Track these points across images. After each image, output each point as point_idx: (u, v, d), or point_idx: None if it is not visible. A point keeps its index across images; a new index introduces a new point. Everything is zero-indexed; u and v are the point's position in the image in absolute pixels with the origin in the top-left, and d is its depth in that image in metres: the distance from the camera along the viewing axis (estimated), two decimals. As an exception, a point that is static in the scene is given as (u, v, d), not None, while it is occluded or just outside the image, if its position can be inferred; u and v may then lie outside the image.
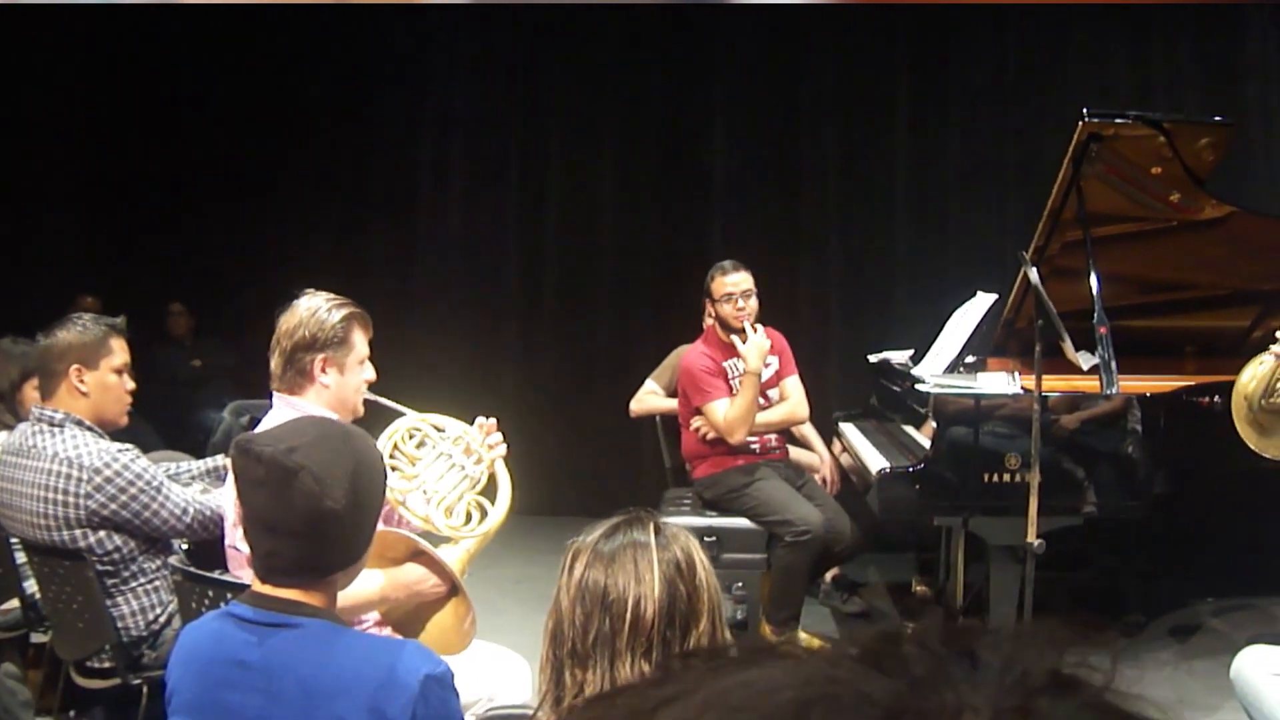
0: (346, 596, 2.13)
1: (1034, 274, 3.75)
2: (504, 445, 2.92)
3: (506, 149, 7.36)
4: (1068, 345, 3.83)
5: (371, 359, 2.95)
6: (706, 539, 4.40)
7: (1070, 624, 0.48)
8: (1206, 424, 4.07)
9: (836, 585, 5.34)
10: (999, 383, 4.25)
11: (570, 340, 7.24)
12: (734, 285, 4.62)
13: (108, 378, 3.26)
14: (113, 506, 3.09)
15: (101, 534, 3.11)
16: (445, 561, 2.50)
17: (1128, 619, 4.88)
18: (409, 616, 2.54)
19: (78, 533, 3.10)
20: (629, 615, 1.60)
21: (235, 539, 2.70)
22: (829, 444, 5.26)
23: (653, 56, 7.10)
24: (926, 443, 4.18)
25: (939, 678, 0.45)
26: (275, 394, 2.88)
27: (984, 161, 6.75)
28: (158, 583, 3.21)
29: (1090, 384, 4.17)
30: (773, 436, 4.85)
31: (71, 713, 3.53)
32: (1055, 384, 4.26)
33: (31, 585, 3.43)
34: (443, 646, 2.47)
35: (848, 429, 5.13)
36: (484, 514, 2.77)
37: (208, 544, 3.21)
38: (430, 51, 7.38)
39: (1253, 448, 3.66)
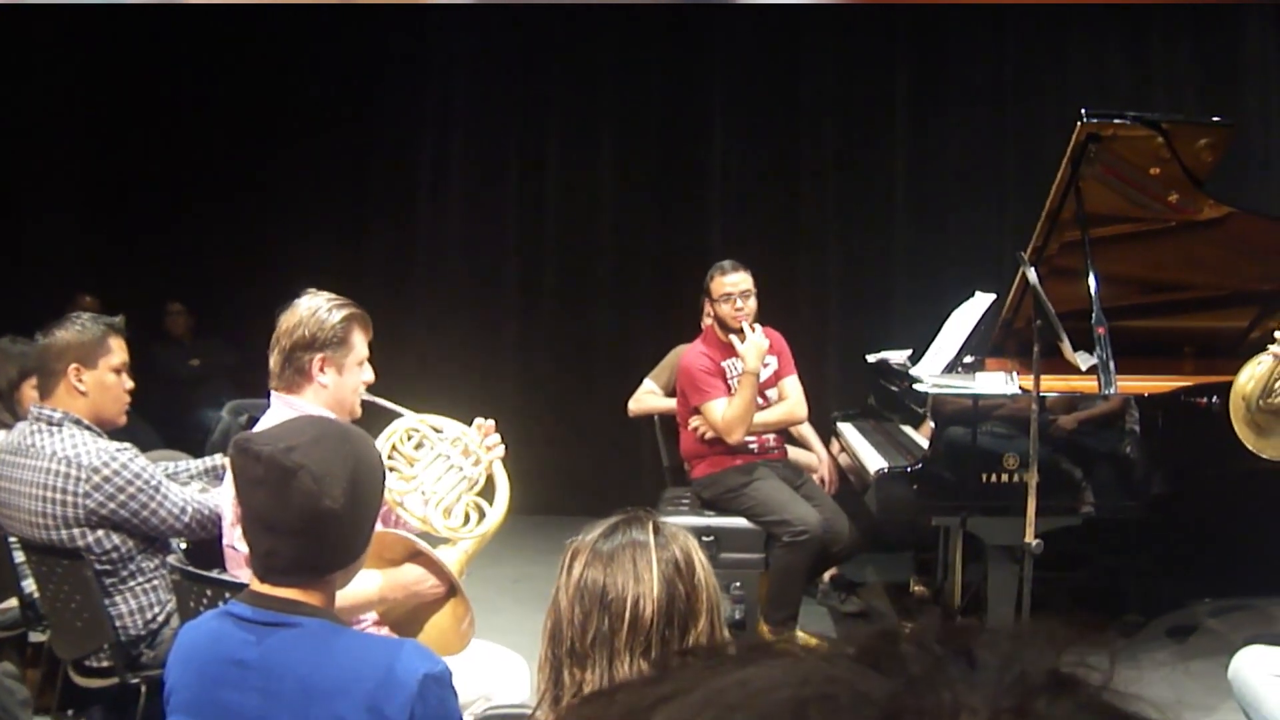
0: (345, 596, 2.13)
1: (1032, 274, 3.76)
2: (502, 446, 2.92)
3: (506, 148, 7.35)
4: (1066, 345, 3.83)
5: (370, 360, 2.96)
6: (705, 539, 4.40)
7: (1068, 623, 0.49)
8: (1204, 424, 4.08)
9: (835, 585, 5.34)
10: (997, 383, 4.25)
11: (569, 340, 7.24)
12: (733, 285, 4.62)
13: (106, 377, 3.26)
14: (111, 506, 3.09)
15: (100, 533, 3.11)
16: (443, 562, 2.50)
17: (1126, 619, 4.88)
18: (407, 617, 2.54)
19: (76, 532, 3.10)
20: (628, 614, 1.60)
21: (234, 538, 2.70)
22: (827, 444, 5.26)
23: (652, 56, 7.10)
24: (924, 443, 4.18)
25: (936, 677, 0.45)
26: (273, 393, 2.88)
27: (983, 161, 6.75)
28: (156, 582, 3.21)
29: (1088, 384, 4.17)
30: (771, 436, 4.85)
31: (70, 712, 3.53)
32: (1053, 384, 4.26)
33: (30, 584, 3.43)
34: (441, 647, 2.47)
35: (846, 429, 5.13)
36: (482, 515, 2.77)
37: (206, 543, 3.21)
38: (430, 51, 7.37)
39: (1250, 448, 3.66)
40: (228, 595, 2.52)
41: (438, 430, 2.89)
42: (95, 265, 7.29)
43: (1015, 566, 3.82)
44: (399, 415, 2.90)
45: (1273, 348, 3.56)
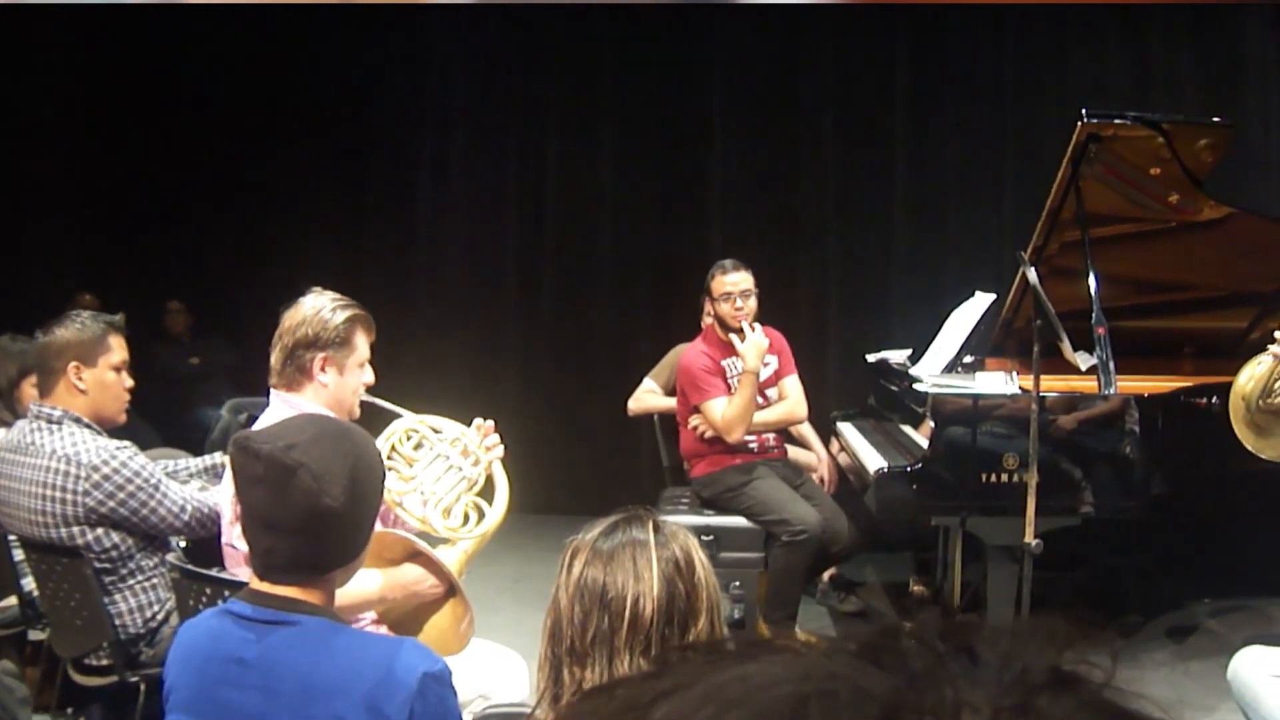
0: (345, 595, 2.13)
1: (1032, 274, 3.76)
2: (501, 447, 2.92)
3: (506, 148, 7.35)
4: (1066, 345, 3.83)
5: (371, 360, 2.96)
6: (704, 538, 4.40)
7: (1070, 621, 0.48)
8: (1204, 425, 4.08)
9: (834, 585, 5.34)
10: (997, 383, 4.25)
11: (568, 339, 7.24)
12: (733, 285, 4.62)
13: (106, 375, 3.26)
14: (110, 504, 3.09)
15: (99, 531, 3.11)
16: (443, 562, 2.50)
17: (1125, 619, 4.88)
18: (407, 617, 2.54)
19: (75, 530, 3.10)
20: (628, 613, 1.60)
21: (233, 536, 2.70)
22: (827, 443, 5.26)
23: (651, 56, 7.10)
24: (924, 443, 4.18)
25: (938, 674, 0.45)
26: (273, 391, 2.88)
27: (983, 161, 6.75)
28: (155, 580, 3.21)
29: (1088, 384, 4.16)
30: (771, 436, 4.85)
31: (69, 710, 3.53)
32: (1053, 384, 4.26)
33: (29, 582, 3.43)
34: (440, 647, 2.47)
35: (845, 428, 5.13)
36: (481, 515, 2.77)
37: (206, 541, 3.21)
38: (429, 51, 7.37)
39: (1250, 448, 3.66)
40: (227, 593, 2.52)
41: (437, 431, 2.89)
42: (95, 264, 7.29)
43: (1015, 566, 3.82)
44: (398, 416, 2.90)
45: (1273, 348, 3.56)
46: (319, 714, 1.74)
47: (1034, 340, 3.67)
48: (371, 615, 2.69)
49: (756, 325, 4.60)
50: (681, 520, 4.23)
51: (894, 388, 4.96)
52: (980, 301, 4.90)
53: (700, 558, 1.69)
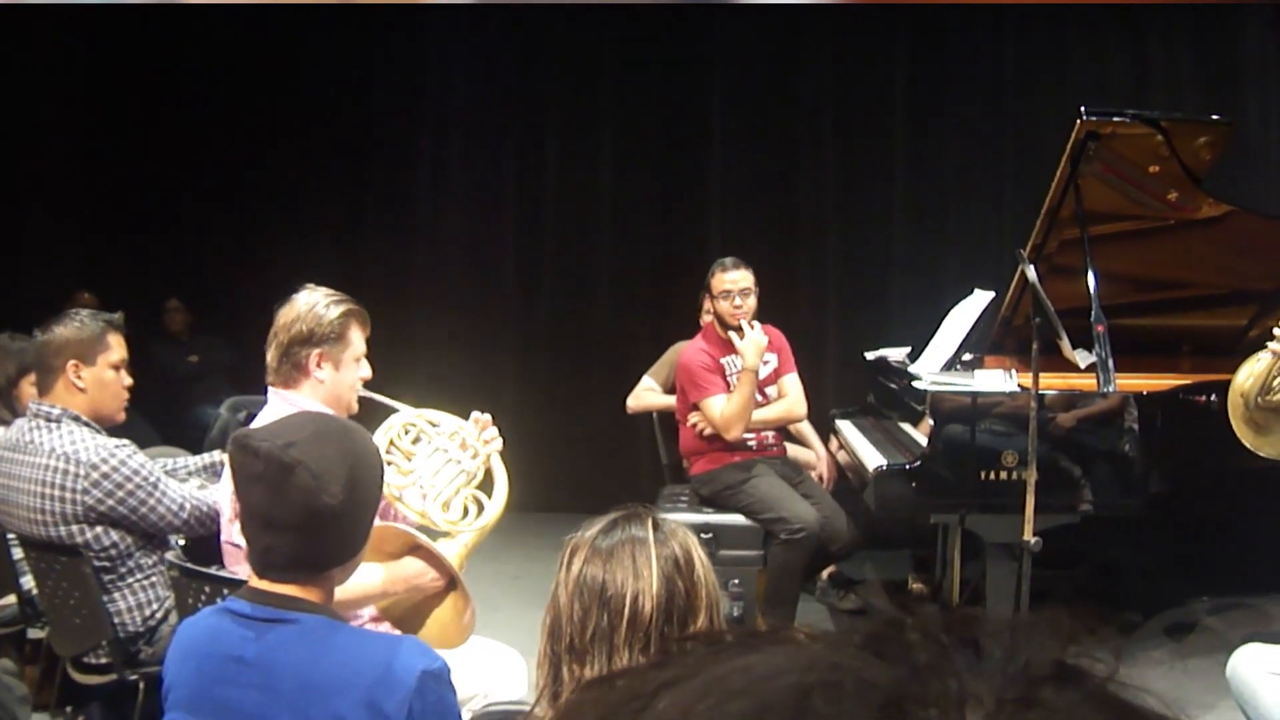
0: (347, 590, 2.13)
1: (1031, 272, 3.75)
2: (500, 440, 2.92)
3: (505, 147, 7.35)
4: (1065, 343, 3.83)
5: (368, 356, 2.95)
6: (703, 536, 4.38)
7: (1073, 615, 0.48)
8: (1203, 423, 4.07)
9: (833, 583, 5.34)
10: (996, 380, 4.25)
11: (568, 337, 7.24)
12: (732, 283, 4.62)
13: (105, 374, 3.26)
14: (109, 502, 3.09)
15: (98, 530, 3.11)
16: (443, 555, 2.50)
17: (1124, 617, 4.88)
18: (409, 613, 2.54)
19: (74, 528, 3.09)
20: (627, 611, 1.60)
21: (232, 534, 2.70)
22: (826, 441, 5.26)
23: (651, 54, 7.10)
24: (923, 440, 4.18)
25: (942, 666, 0.45)
26: (270, 388, 2.88)
27: (982, 159, 6.75)
28: (154, 578, 3.21)
29: (1087, 382, 4.16)
30: (770, 433, 4.85)
31: (68, 708, 3.53)
32: (1052, 382, 4.26)
33: (28, 581, 3.43)
34: (442, 640, 2.48)
35: (845, 426, 5.13)
36: (481, 508, 2.77)
37: (205, 540, 3.21)
38: (428, 50, 7.37)
39: (1248, 446, 3.66)
40: (226, 592, 2.52)
41: (434, 425, 2.89)
42: (94, 262, 7.29)
43: (1014, 564, 3.82)
44: (395, 410, 2.90)
45: (1271, 345, 3.56)
46: (318, 712, 1.74)
47: (1033, 338, 3.67)
48: (371, 611, 2.69)
49: (755, 323, 4.60)
50: (680, 518, 4.21)
51: (893, 385, 4.96)
52: (979, 299, 4.90)
53: (699, 555, 1.69)
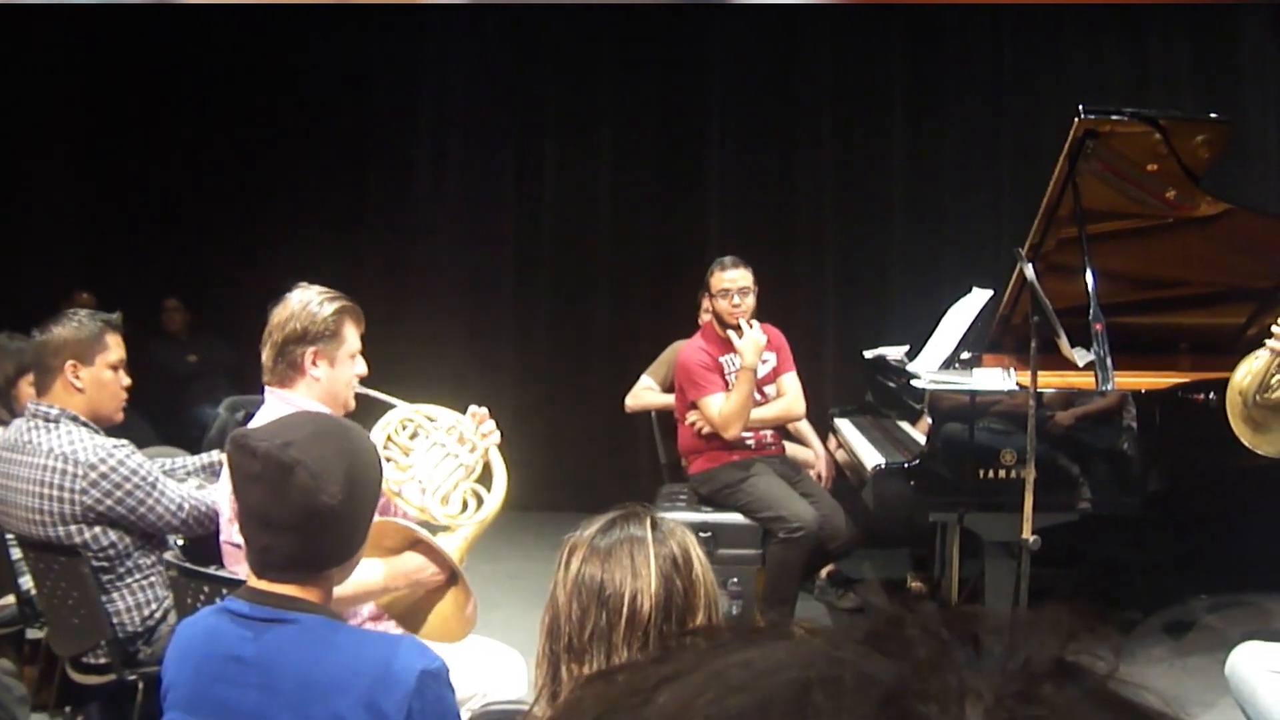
0: (349, 586, 2.13)
1: (1030, 270, 3.75)
2: (497, 433, 2.91)
3: (503, 146, 7.35)
4: (1063, 341, 3.83)
5: (365, 354, 2.95)
6: (702, 534, 4.40)
7: (1074, 613, 0.48)
8: (1201, 421, 4.07)
9: (832, 581, 5.34)
10: (994, 379, 4.25)
11: (566, 336, 7.24)
12: (731, 282, 4.62)
13: (103, 374, 3.26)
14: (108, 502, 3.09)
15: (97, 530, 3.11)
16: (443, 549, 2.49)
17: (1123, 615, 4.89)
18: (411, 608, 2.54)
19: (73, 528, 3.09)
20: (625, 610, 1.60)
21: (232, 535, 2.70)
22: (825, 440, 5.26)
23: (650, 53, 7.10)
24: (922, 439, 4.18)
25: (942, 661, 0.45)
26: (267, 388, 2.88)
27: (980, 158, 6.75)
28: (153, 578, 3.21)
29: (1086, 380, 4.16)
30: (768, 432, 4.85)
31: (67, 708, 3.53)
32: (1051, 380, 4.26)
33: (27, 581, 3.43)
34: (445, 634, 2.48)
35: (843, 425, 5.14)
36: (480, 501, 2.76)
37: (203, 540, 3.21)
38: (427, 45, 7.37)
39: (1247, 444, 3.66)
40: (225, 591, 2.52)
41: (432, 419, 2.88)
42: (92, 262, 7.30)
43: (1012, 562, 3.81)
44: (392, 406, 2.90)
45: (1270, 343, 3.56)
46: (317, 712, 1.74)
47: (1031, 336, 3.67)
48: (370, 608, 2.69)
49: (754, 322, 4.60)
50: (679, 517, 4.21)
51: (891, 384, 4.96)
52: (978, 297, 4.90)
53: (698, 554, 1.69)
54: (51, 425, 3.16)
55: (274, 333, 2.84)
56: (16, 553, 3.45)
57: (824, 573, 5.27)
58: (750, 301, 4.63)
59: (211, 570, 2.87)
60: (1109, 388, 4.05)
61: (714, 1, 6.79)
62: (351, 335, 2.91)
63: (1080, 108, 4.29)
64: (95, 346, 3.24)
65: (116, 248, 7.39)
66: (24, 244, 7.20)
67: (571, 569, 1.65)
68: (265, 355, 2.86)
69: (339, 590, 1.96)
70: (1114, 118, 4.32)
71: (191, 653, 1.87)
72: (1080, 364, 4.06)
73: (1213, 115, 4.56)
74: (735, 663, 0.46)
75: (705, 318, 4.94)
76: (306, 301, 2.86)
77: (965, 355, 4.90)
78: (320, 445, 1.81)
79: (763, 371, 4.72)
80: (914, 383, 4.47)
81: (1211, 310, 4.95)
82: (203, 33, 7.20)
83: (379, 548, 2.40)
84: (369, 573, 2.40)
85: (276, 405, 2.78)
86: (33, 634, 3.67)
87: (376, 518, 1.99)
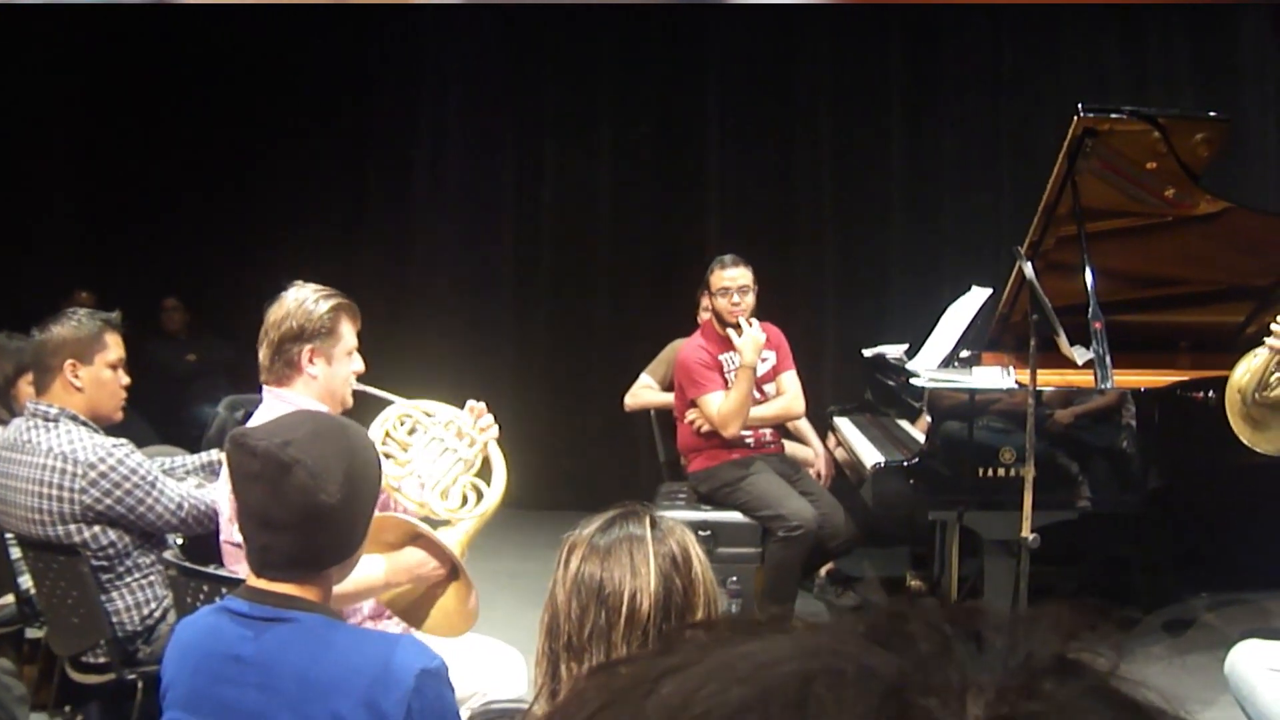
0: (351, 583, 2.13)
1: (1029, 269, 3.75)
2: (495, 427, 2.91)
3: (502, 145, 7.35)
4: (1062, 340, 3.84)
5: (365, 354, 2.95)
6: (701, 533, 4.40)
7: (1075, 610, 0.48)
8: (1200, 419, 4.07)
9: (831, 580, 5.34)
10: (994, 377, 4.26)
11: (565, 335, 7.24)
12: (730, 280, 4.62)
13: (102, 373, 3.25)
14: (107, 501, 3.09)
15: (96, 529, 3.11)
16: (443, 542, 2.49)
17: (1123, 613, 4.87)
18: (413, 603, 2.54)
19: (72, 528, 3.09)
20: (625, 609, 1.60)
21: (232, 534, 2.70)
22: (824, 438, 5.26)
23: (648, 52, 7.10)
24: (921, 437, 4.18)
25: (944, 655, 0.45)
26: (265, 387, 2.87)
27: (979, 156, 6.75)
28: (152, 578, 3.21)
29: (1085, 379, 4.17)
30: (768, 430, 4.85)
31: (67, 708, 3.53)
32: (1050, 379, 4.25)
33: (26, 580, 3.43)
34: (448, 628, 2.48)
35: (842, 423, 5.13)
36: (480, 495, 2.76)
37: (203, 539, 3.21)
38: (426, 44, 7.37)
39: (1246, 442, 3.65)
40: (224, 591, 2.52)
41: (430, 415, 2.88)
42: (92, 261, 7.29)
43: (1012, 561, 3.81)
44: (390, 403, 2.89)
45: (1269, 341, 3.56)
46: (316, 711, 1.74)
47: (1030, 335, 3.67)
48: (370, 605, 2.69)
49: (754, 320, 4.60)
50: (678, 515, 4.23)
51: (891, 382, 4.96)
52: (977, 296, 4.91)
53: (697, 553, 1.69)
54: (51, 424, 3.16)
55: (270, 331, 2.84)
56: (16, 552, 3.45)
57: (823, 571, 5.27)
58: (750, 300, 4.63)
59: (211, 569, 2.87)
60: (1108, 386, 4.05)
61: (713, 1, 6.79)
62: (348, 332, 2.90)
63: (1079, 106, 4.29)
64: (94, 346, 3.24)
65: (116, 247, 7.39)
66: (24, 243, 7.20)
67: (571, 568, 1.65)
68: (262, 354, 2.86)
69: (341, 587, 1.96)
70: (1113, 116, 4.32)
71: (191, 652, 1.87)
72: (1079, 362, 4.07)
73: (1211, 114, 4.56)
74: (737, 655, 0.46)
75: (705, 316, 4.94)
76: (302, 299, 2.86)
77: (964, 354, 4.90)
78: (319, 444, 1.81)
79: (762, 370, 4.72)
80: (913, 381, 4.47)
81: (1210, 308, 4.96)
82: (202, 33, 7.19)
83: (380, 543, 2.40)
84: (370, 569, 2.40)
85: (275, 404, 2.78)
86: (32, 633, 3.67)
87: (376, 513, 1.99)
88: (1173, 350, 4.98)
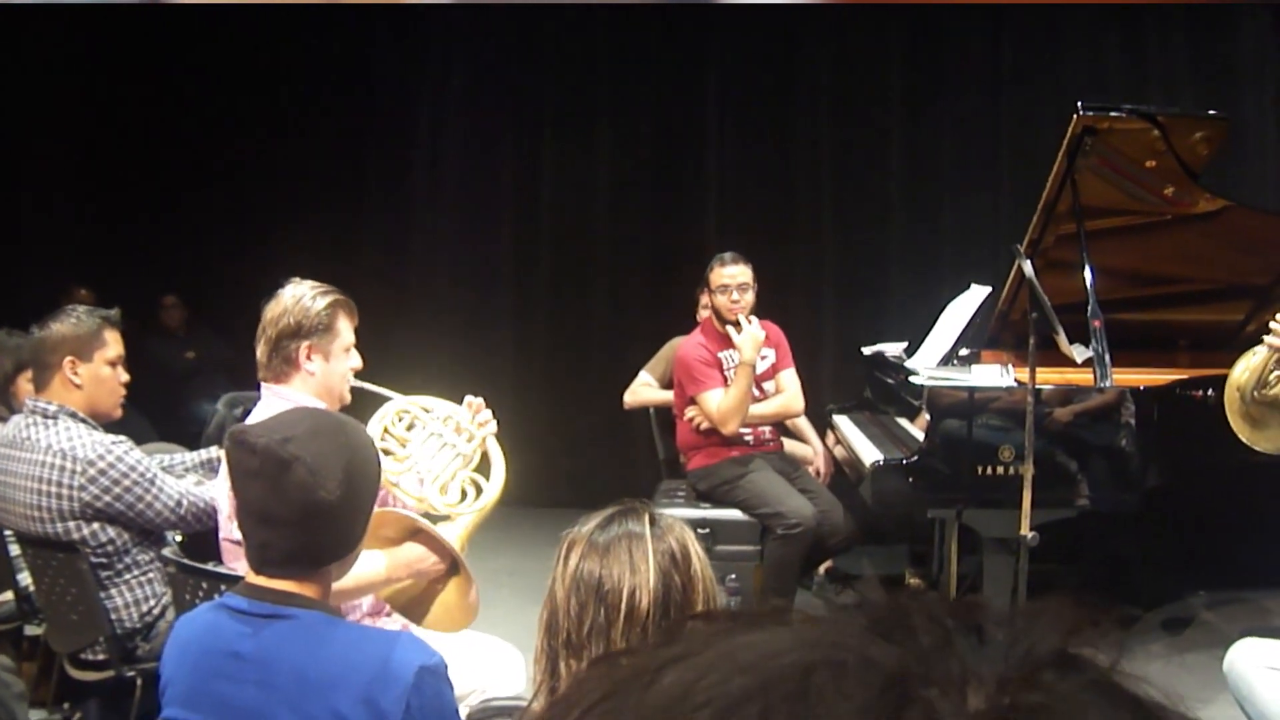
0: (351, 578, 2.13)
1: (1028, 267, 3.75)
2: (494, 422, 2.91)
3: (502, 144, 7.35)
4: (1061, 338, 3.83)
5: (364, 352, 2.95)
6: (700, 531, 4.40)
7: (1076, 606, 0.49)
8: (1200, 418, 4.07)
9: (830, 578, 5.34)
10: (993, 375, 4.25)
11: (565, 333, 7.25)
12: (730, 278, 4.62)
13: (101, 370, 3.25)
14: (106, 499, 3.09)
15: (95, 526, 3.11)
16: (443, 537, 2.49)
17: (1122, 611, 4.88)
18: (414, 598, 2.54)
19: (71, 525, 3.09)
20: (624, 606, 1.60)
21: (231, 531, 2.70)
22: (823, 436, 5.26)
23: (648, 51, 7.10)
24: (920, 435, 4.18)
25: (945, 648, 0.45)
26: (263, 384, 2.87)
27: (978, 154, 6.75)
28: (151, 575, 3.21)
29: (1084, 377, 4.17)
30: (767, 428, 4.85)
31: (66, 705, 3.53)
32: (1049, 377, 4.25)
33: (25, 578, 3.43)
34: (449, 623, 2.48)
35: (842, 421, 5.13)
36: (479, 490, 2.76)
37: (202, 536, 3.21)
38: (425, 42, 7.37)
39: (1245, 441, 3.65)
40: (223, 588, 2.51)
41: (428, 410, 2.88)
42: (90, 258, 7.28)
43: (1011, 559, 3.81)
44: (388, 399, 2.89)
45: (1268, 339, 3.56)
46: (315, 708, 1.74)
47: (1030, 333, 3.67)
48: (369, 601, 2.69)
49: (753, 318, 4.60)
50: (677, 513, 4.22)
51: (890, 380, 4.96)
52: (976, 294, 4.91)
53: (696, 550, 1.69)
54: (50, 421, 3.16)
55: (267, 328, 2.84)
56: (15, 549, 3.45)
57: (822, 569, 5.27)
58: (749, 297, 4.63)
59: (210, 566, 2.87)
60: (1107, 384, 4.05)
61: (713, 1, 6.78)
62: (345, 329, 2.90)
63: (1079, 104, 4.29)
64: (93, 343, 3.24)
65: (115, 244, 7.38)
66: (22, 240, 7.21)
67: (570, 565, 1.65)
68: (260, 351, 2.86)
69: (342, 583, 1.96)
70: (1112, 114, 4.32)
71: (190, 649, 1.87)
72: (1079, 360, 4.07)
73: (1211, 112, 4.56)
74: (739, 645, 0.47)
75: (704, 314, 4.94)
76: (299, 296, 2.86)
77: (964, 352, 4.91)
78: (318, 441, 1.81)
79: (761, 368, 4.72)
80: (912, 379, 4.47)
81: (1210, 307, 4.96)
82: (202, 32, 7.19)
83: (379, 538, 2.40)
84: (371, 564, 2.40)
85: (273, 401, 2.78)
86: (31, 630, 3.67)
87: (376, 509, 1.99)
88: (1172, 349, 4.99)
